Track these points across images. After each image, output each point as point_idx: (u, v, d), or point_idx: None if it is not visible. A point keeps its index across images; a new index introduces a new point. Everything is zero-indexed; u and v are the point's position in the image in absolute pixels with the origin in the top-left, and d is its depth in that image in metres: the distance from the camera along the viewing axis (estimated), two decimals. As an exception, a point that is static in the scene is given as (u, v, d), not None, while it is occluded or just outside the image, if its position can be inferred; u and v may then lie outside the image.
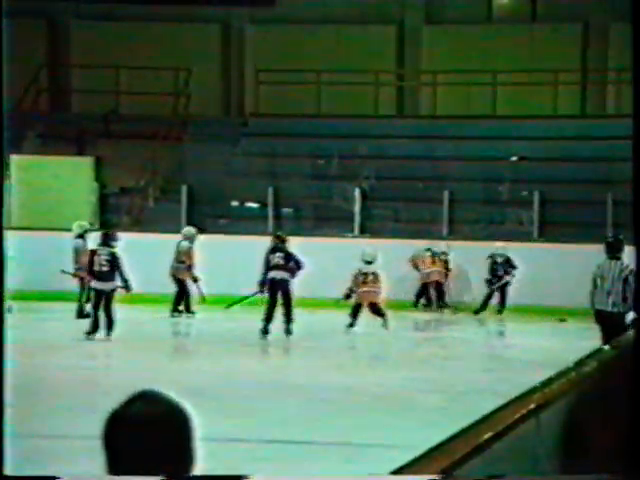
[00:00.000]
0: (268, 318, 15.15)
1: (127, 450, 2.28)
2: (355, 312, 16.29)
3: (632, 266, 11.35)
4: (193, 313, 17.88)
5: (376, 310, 16.28)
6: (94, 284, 14.98)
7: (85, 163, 22.01)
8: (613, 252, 11.71)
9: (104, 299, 14.74)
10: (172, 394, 2.40)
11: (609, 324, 11.17)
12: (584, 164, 21.17)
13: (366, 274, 16.32)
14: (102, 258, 14.92)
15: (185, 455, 2.31)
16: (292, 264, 15.32)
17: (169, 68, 23.76)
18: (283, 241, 15.55)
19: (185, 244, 18.18)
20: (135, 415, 2.29)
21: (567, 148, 21.38)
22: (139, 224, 21.44)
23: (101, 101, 23.74)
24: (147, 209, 22.30)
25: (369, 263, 16.47)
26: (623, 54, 22.89)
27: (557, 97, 23.16)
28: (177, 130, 23.01)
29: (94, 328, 14.78)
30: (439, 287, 19.51)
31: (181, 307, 17.94)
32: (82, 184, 21.41)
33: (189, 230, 18.66)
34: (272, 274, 15.28)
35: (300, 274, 15.51)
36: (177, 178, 22.13)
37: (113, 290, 14.85)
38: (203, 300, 17.90)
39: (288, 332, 15.27)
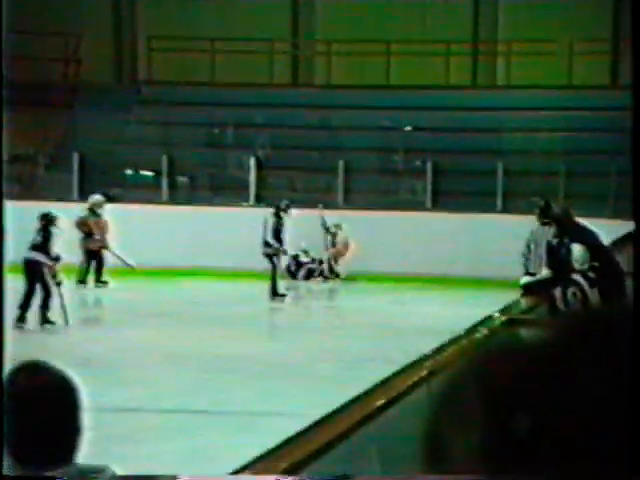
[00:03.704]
0: (24, 306, 13.23)
1: (11, 422, 2.23)
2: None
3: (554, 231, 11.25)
4: (105, 283, 17.52)
5: None
6: None
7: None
8: (545, 218, 11.68)
9: None
10: (61, 364, 2.36)
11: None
12: (475, 134, 21.45)
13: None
14: None
15: (71, 425, 2.27)
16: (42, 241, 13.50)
17: (58, 33, 23.27)
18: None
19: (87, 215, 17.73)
20: (18, 386, 2.25)
21: (459, 118, 21.63)
22: (29, 193, 21.02)
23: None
24: (37, 177, 21.89)
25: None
26: (513, 26, 23.23)
27: (449, 68, 23.39)
28: (68, 97, 22.57)
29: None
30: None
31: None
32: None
33: (91, 199, 18.07)
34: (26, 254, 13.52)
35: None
36: (68, 146, 21.74)
37: None
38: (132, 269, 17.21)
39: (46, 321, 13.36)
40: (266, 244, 16.80)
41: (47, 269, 13.49)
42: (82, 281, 17.52)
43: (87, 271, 17.63)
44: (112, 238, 17.72)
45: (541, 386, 0.78)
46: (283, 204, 17.27)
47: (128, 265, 17.07)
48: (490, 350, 0.85)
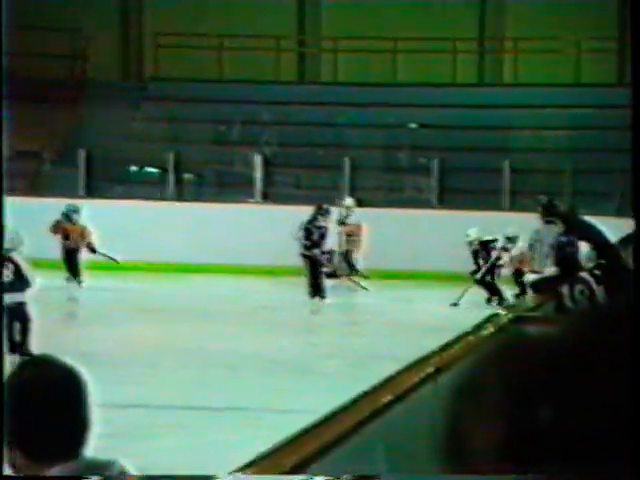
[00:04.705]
0: None
1: (21, 416, 2.22)
2: None
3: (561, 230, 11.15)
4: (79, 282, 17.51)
5: None
6: None
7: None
8: (549, 216, 11.57)
9: None
10: (67, 359, 2.35)
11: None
12: (481, 132, 21.43)
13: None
14: None
15: (80, 419, 2.27)
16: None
17: (66, 30, 23.28)
18: None
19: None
20: (28, 380, 2.24)
21: (465, 116, 21.60)
22: (35, 188, 21.05)
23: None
24: (43, 173, 21.91)
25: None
26: (519, 23, 23.20)
27: (455, 65, 23.36)
28: (74, 93, 22.58)
29: None
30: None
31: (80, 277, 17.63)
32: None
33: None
34: None
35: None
36: (75, 142, 21.76)
37: None
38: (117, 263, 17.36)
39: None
40: (303, 245, 16.81)
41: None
42: (68, 279, 17.49)
43: (70, 269, 17.60)
44: (91, 241, 17.57)
45: (553, 382, 0.79)
46: (323, 208, 17.10)
47: (113, 260, 17.18)
48: (504, 346, 0.85)
